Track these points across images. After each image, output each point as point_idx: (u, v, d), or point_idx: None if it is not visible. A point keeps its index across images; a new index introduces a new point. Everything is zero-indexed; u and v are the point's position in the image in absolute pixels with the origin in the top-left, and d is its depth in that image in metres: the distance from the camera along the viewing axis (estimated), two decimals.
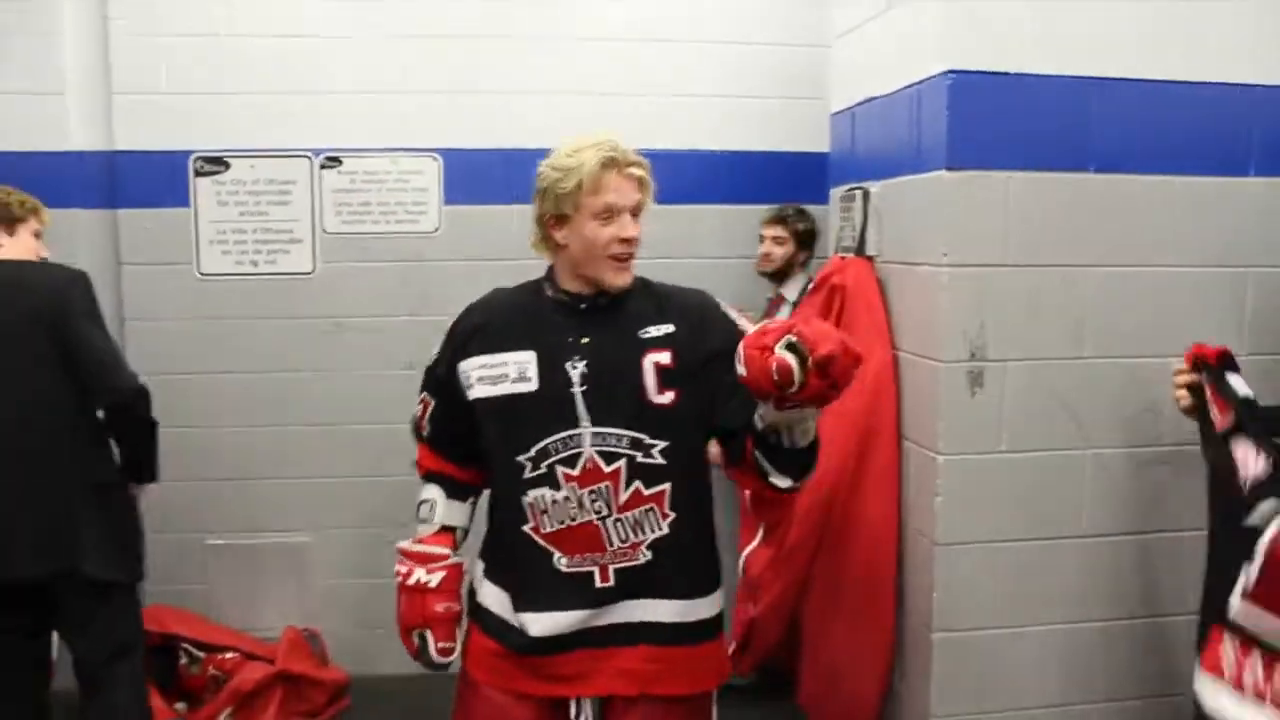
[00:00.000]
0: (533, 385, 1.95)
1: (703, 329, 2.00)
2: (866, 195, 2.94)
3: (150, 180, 3.94)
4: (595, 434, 1.93)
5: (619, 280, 1.98)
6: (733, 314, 2.08)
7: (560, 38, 3.99)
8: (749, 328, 1.92)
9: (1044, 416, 2.60)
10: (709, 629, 2.04)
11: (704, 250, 4.06)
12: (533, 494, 1.94)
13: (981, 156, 2.51)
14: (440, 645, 2.05)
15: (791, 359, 1.58)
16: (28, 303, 2.69)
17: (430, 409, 2.12)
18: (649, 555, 1.95)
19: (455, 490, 2.15)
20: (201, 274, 3.99)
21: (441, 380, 2.07)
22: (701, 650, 2.02)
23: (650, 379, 1.94)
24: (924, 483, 2.65)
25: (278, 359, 3.95)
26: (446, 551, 2.09)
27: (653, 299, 2.03)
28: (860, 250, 2.96)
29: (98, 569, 2.69)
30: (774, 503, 2.95)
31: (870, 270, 2.90)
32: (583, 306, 2.00)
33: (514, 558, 1.99)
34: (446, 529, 2.14)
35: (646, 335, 1.98)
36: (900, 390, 2.77)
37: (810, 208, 3.75)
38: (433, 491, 2.15)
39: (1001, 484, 2.59)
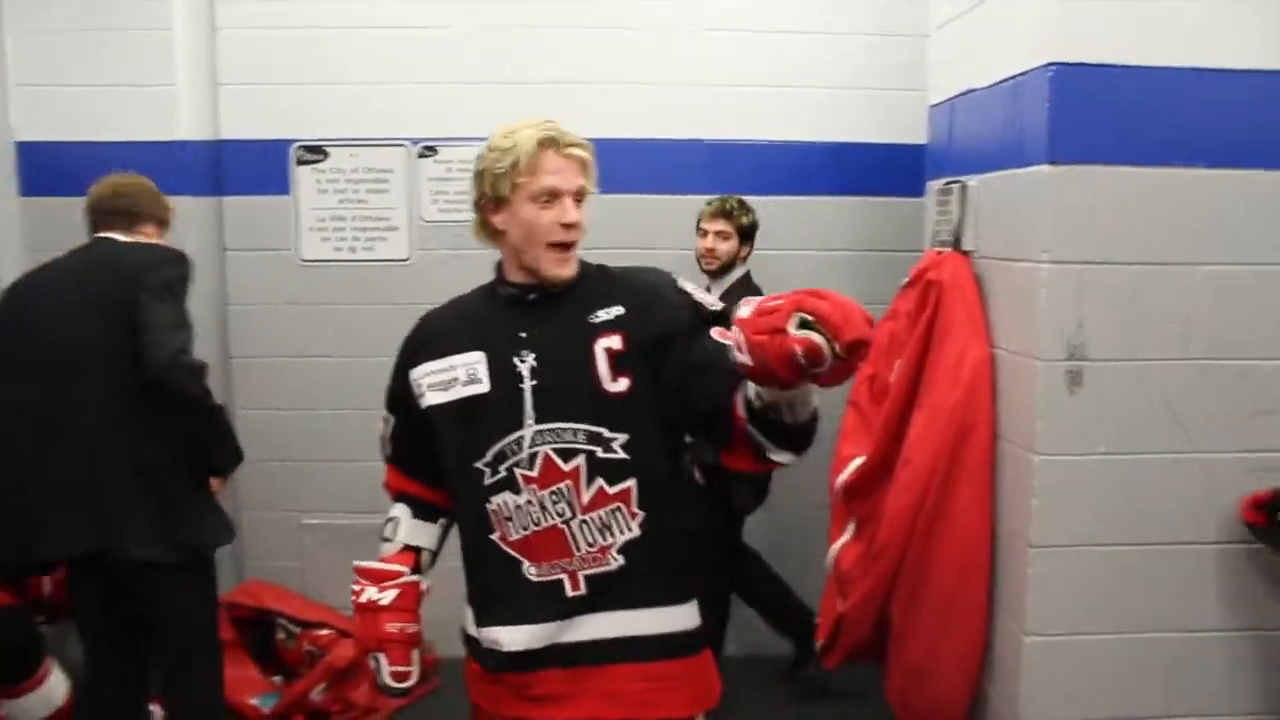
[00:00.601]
0: (484, 387, 1.85)
1: (653, 307, 1.86)
2: (964, 189, 2.89)
3: (253, 168, 4.08)
4: (549, 431, 1.81)
5: (560, 271, 1.86)
6: (689, 288, 1.92)
7: (657, 28, 4.01)
8: (710, 302, 1.88)
9: (1147, 418, 2.52)
10: (696, 641, 1.91)
11: (801, 242, 4.06)
12: (495, 500, 1.84)
13: (1084, 151, 2.43)
14: (394, 669, 1.92)
15: (819, 338, 1.45)
16: (111, 278, 2.76)
17: (390, 426, 2.03)
18: (620, 560, 1.82)
19: (422, 510, 2.04)
20: (302, 260, 4.11)
21: (396, 394, 1.99)
22: (693, 665, 1.90)
23: (603, 366, 1.82)
24: (1019, 483, 2.59)
25: (374, 344, 3.97)
26: (402, 569, 1.97)
27: (605, 283, 1.91)
28: (957, 245, 2.91)
29: (141, 550, 2.71)
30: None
31: (967, 266, 2.84)
32: (531, 298, 1.89)
33: (484, 569, 1.90)
34: (410, 548, 2.02)
35: (596, 320, 1.85)
36: (997, 389, 2.72)
37: (907, 200, 3.71)
38: (397, 510, 2.06)
39: (1100, 487, 2.52)
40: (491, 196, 1.85)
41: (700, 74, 3.99)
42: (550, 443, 1.81)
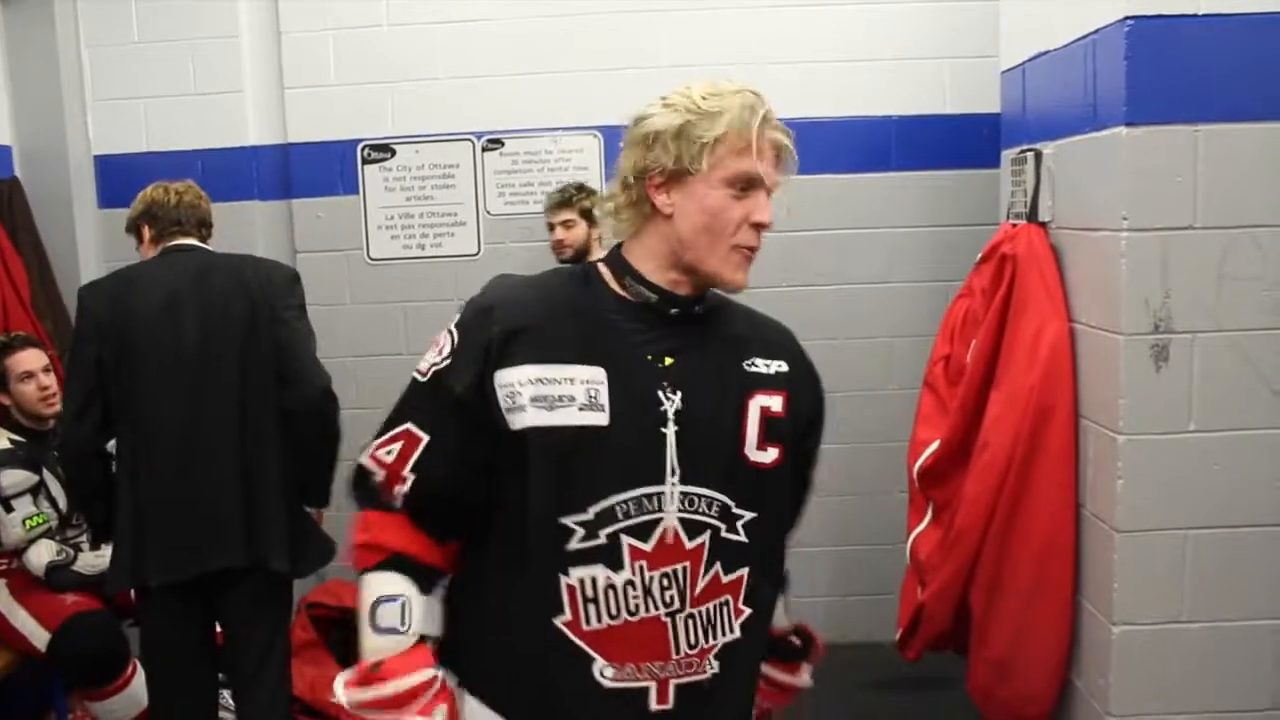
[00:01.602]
0: (604, 418, 1.42)
1: (811, 379, 1.60)
2: (1039, 157, 2.76)
3: (321, 170, 4.13)
4: (684, 494, 1.43)
5: (739, 277, 1.48)
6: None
7: (718, 8, 3.94)
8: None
9: (1239, 393, 2.36)
10: None
11: (871, 221, 3.96)
12: (578, 573, 1.41)
13: (1164, 110, 2.29)
14: None
15: None
16: (240, 293, 2.76)
17: (422, 451, 1.48)
18: (715, 667, 1.47)
19: (423, 578, 1.52)
20: (371, 259, 4.15)
21: (457, 403, 1.45)
22: None
23: (753, 428, 1.48)
24: (1103, 465, 2.46)
25: None
26: (435, 674, 1.47)
27: (758, 326, 1.60)
28: (1033, 216, 2.78)
29: (282, 563, 2.75)
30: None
31: (1044, 237, 2.71)
32: (673, 311, 1.49)
33: (531, 665, 1.46)
34: (423, 640, 1.50)
35: (754, 369, 1.52)
36: (1077, 365, 2.59)
37: (983, 171, 3.57)
38: (399, 584, 1.50)
39: (1190, 467, 2.37)
40: (671, 169, 1.44)
41: (762, 52, 3.91)
42: (683, 511, 1.44)
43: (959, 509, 2.76)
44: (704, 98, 1.44)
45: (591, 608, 1.42)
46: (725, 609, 1.48)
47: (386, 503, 1.51)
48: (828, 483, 3.92)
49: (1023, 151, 2.89)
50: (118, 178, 4.01)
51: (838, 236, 3.96)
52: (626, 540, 1.41)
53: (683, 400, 1.45)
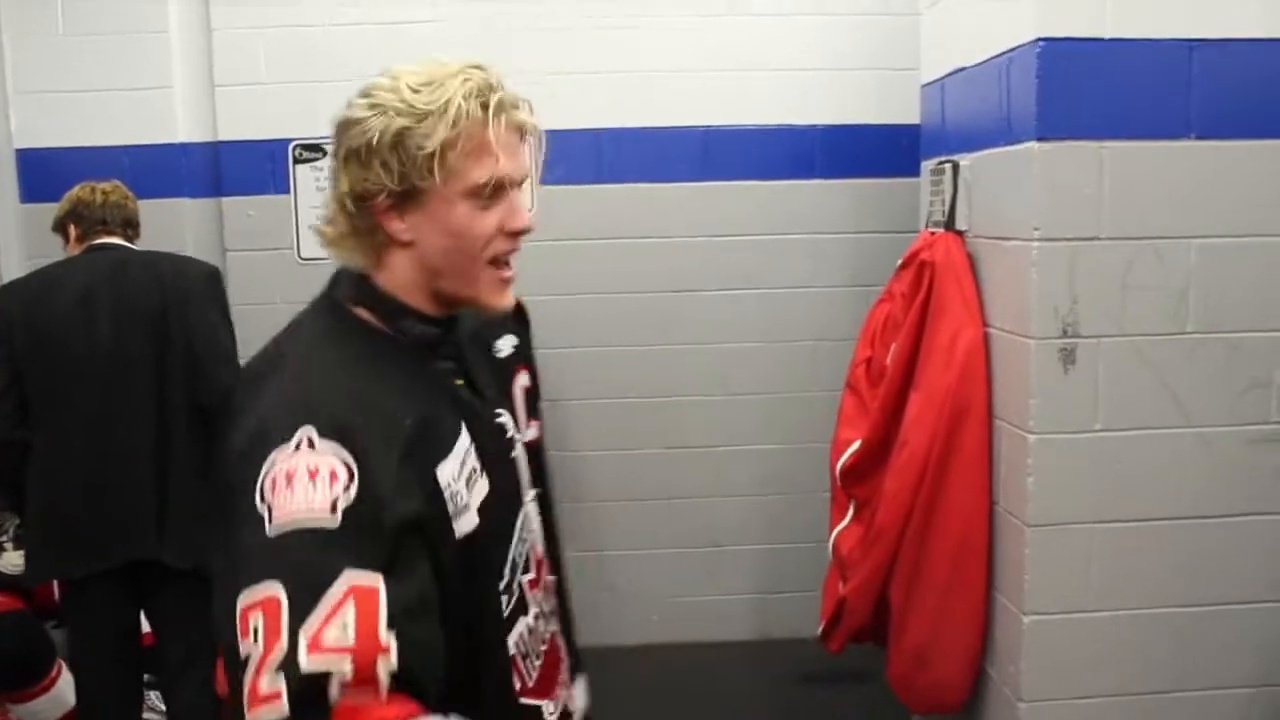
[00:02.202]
0: (486, 482, 1.26)
1: (524, 331, 1.50)
2: (956, 168, 2.87)
3: (252, 168, 4.09)
4: (534, 504, 1.40)
5: (503, 300, 1.30)
6: None
7: (641, 16, 3.99)
8: None
9: (1142, 395, 2.50)
10: None
11: (796, 227, 4.05)
12: (513, 636, 1.31)
13: (1074, 126, 2.41)
14: None
15: None
16: (154, 289, 2.81)
17: (385, 599, 1.05)
18: (563, 644, 1.47)
19: None
20: (302, 258, 4.11)
21: (408, 523, 1.12)
22: None
23: (520, 410, 1.41)
24: (1015, 462, 2.58)
25: None
26: None
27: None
28: (950, 225, 2.90)
29: (175, 558, 2.77)
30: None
31: (960, 245, 2.83)
32: (440, 331, 1.33)
33: None
34: None
35: (501, 356, 1.41)
36: (991, 368, 2.70)
37: (904, 180, 3.69)
38: None
39: (1097, 464, 2.50)
40: (398, 189, 1.20)
41: (682, 60, 3.98)
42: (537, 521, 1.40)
43: (879, 506, 2.85)
44: (417, 91, 1.19)
45: (526, 664, 1.33)
46: (545, 587, 1.43)
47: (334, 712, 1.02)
48: (755, 482, 4.12)
49: (941, 163, 3.00)
50: (40, 172, 3.95)
51: (764, 242, 4.05)
52: (521, 579, 1.33)
53: (506, 417, 1.37)
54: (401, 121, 1.18)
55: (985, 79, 2.70)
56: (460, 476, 1.21)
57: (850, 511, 3.09)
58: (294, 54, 4.02)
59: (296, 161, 4.10)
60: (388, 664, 1.03)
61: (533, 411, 1.43)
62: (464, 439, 1.23)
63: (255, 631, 1.03)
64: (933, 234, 2.95)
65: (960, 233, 2.86)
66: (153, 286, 2.81)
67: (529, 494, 1.37)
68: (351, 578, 1.04)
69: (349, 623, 1.02)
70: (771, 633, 4.15)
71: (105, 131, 3.97)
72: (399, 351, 1.26)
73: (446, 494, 1.18)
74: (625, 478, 4.15)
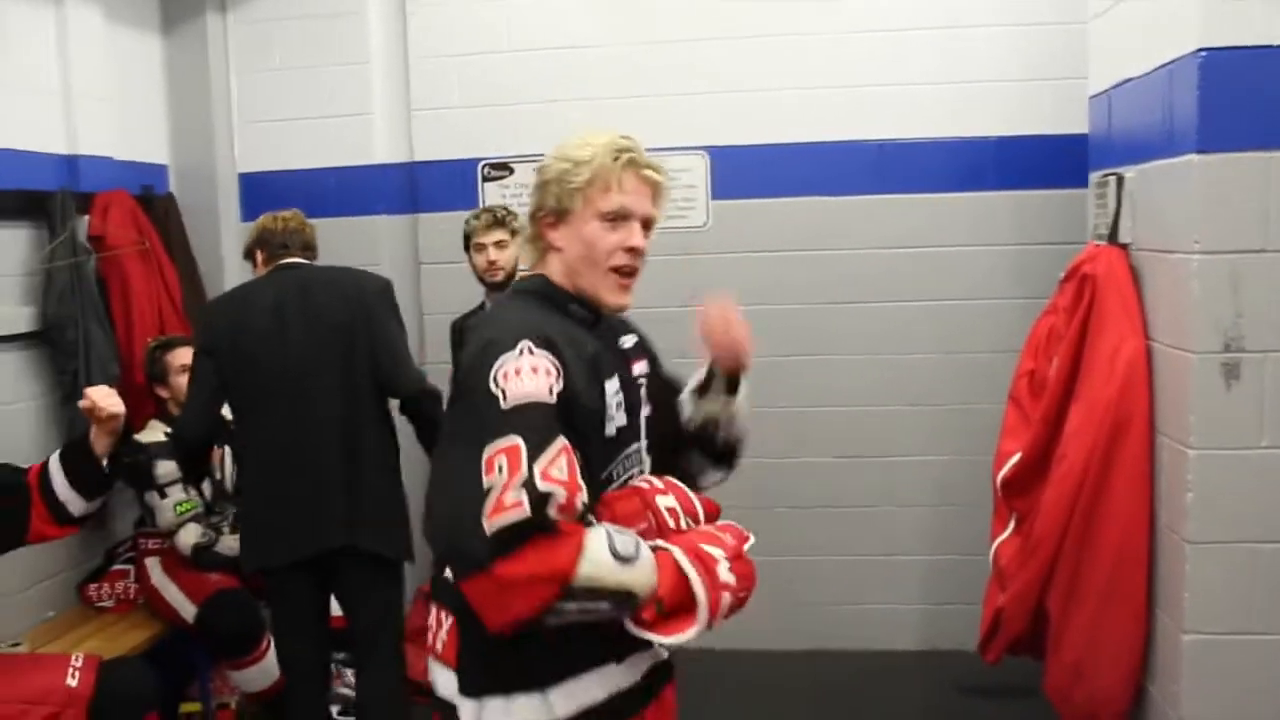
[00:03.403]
0: (623, 418, 1.76)
1: (644, 340, 1.95)
2: (1121, 181, 2.84)
3: (444, 187, 4.35)
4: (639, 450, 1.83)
5: (619, 300, 1.76)
6: None
7: (818, 33, 4.07)
8: None
9: None
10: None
11: (969, 238, 4.06)
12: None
13: (1236, 137, 2.37)
14: None
15: None
16: (339, 300, 3.07)
17: (579, 461, 1.58)
18: None
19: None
20: None
21: (590, 412, 1.67)
22: None
23: (642, 390, 1.86)
24: (1176, 478, 2.54)
25: None
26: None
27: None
28: (1114, 238, 2.87)
29: (367, 543, 3.03)
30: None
31: (1123, 259, 2.80)
32: (597, 323, 1.81)
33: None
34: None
35: (624, 346, 1.85)
36: (1153, 382, 2.67)
37: (1072, 192, 3.63)
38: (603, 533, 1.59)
39: (1262, 482, 2.44)
40: (555, 209, 1.73)
41: (857, 76, 4.04)
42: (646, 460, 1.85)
43: (1037, 516, 2.85)
44: (578, 146, 1.73)
45: None
46: None
47: (551, 525, 1.50)
48: (924, 493, 4.11)
49: (1106, 175, 2.97)
50: (258, 193, 4.32)
51: (934, 254, 4.06)
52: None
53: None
54: (563, 165, 1.73)
55: (1149, 90, 2.67)
56: (615, 394, 1.72)
57: (1012, 523, 3.09)
58: (484, 78, 4.27)
59: (485, 180, 4.34)
60: (582, 499, 1.54)
61: (650, 394, 1.85)
62: (615, 380, 1.73)
63: (500, 468, 1.50)
64: (1097, 246, 2.93)
65: (1124, 245, 2.83)
66: (337, 302, 3.07)
67: (643, 441, 1.81)
68: (563, 440, 1.55)
69: (563, 467, 1.52)
70: (937, 644, 4.14)
71: (313, 154, 4.32)
72: (565, 320, 1.74)
73: (610, 401, 1.70)
74: (797, 485, 4.23)
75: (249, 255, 3.28)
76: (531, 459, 1.50)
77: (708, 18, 4.13)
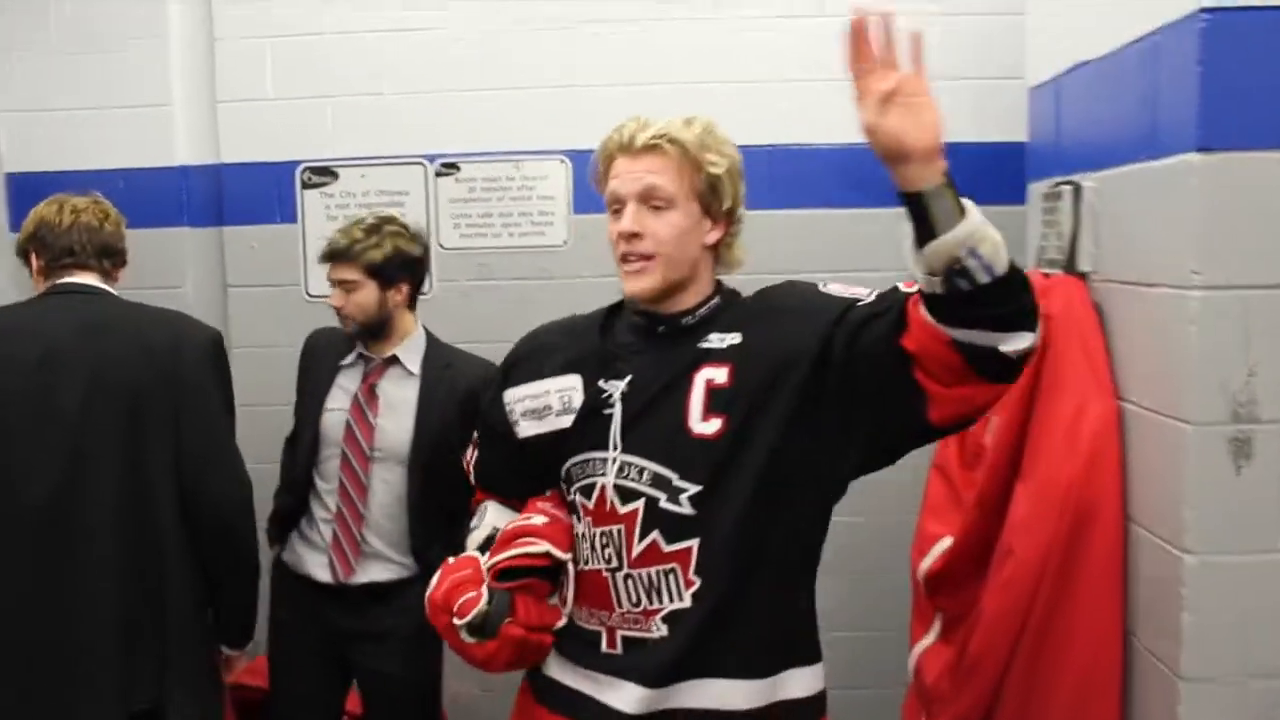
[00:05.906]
0: (569, 420, 1.74)
1: (776, 329, 1.64)
2: (1078, 191, 2.31)
3: (256, 195, 3.75)
4: (623, 463, 1.66)
5: (629, 288, 1.70)
6: (835, 289, 1.70)
7: (710, 19, 3.56)
8: (863, 295, 1.67)
9: None
10: (800, 712, 1.68)
11: (874, 262, 3.42)
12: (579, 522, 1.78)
13: (1249, 132, 1.81)
14: None
15: None
16: (139, 361, 2.22)
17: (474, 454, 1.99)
18: (663, 630, 1.65)
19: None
20: (310, 295, 3.71)
21: (484, 417, 1.93)
22: None
23: (697, 401, 1.63)
24: (1164, 590, 1.95)
25: None
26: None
27: (736, 309, 1.73)
28: (1070, 266, 2.33)
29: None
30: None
31: (1084, 292, 2.25)
32: (660, 330, 1.73)
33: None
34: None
35: (706, 345, 1.67)
36: (1127, 459, 2.10)
37: (1005, 208, 3.08)
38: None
39: None
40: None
41: (739, 71, 3.52)
42: (619, 477, 1.66)
43: (976, 629, 2.26)
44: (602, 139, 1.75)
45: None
46: (672, 577, 1.63)
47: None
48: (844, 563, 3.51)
49: (1056, 185, 2.45)
50: (30, 198, 3.57)
51: (841, 279, 3.49)
52: (579, 498, 1.72)
53: (630, 384, 1.68)
54: (597, 154, 1.75)
55: (1119, 72, 2.13)
56: (533, 399, 1.79)
57: (936, 626, 2.52)
58: (302, 66, 3.65)
59: (305, 186, 3.73)
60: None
61: (714, 407, 1.63)
62: (564, 380, 1.75)
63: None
64: (1047, 276, 2.39)
65: (1084, 275, 2.29)
66: (139, 359, 2.20)
67: (616, 444, 1.67)
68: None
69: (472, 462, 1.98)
70: None
71: (97, 154, 3.65)
72: (614, 319, 1.82)
73: (506, 407, 1.84)
74: None
75: (21, 255, 2.41)
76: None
77: (573, 4, 3.58)
